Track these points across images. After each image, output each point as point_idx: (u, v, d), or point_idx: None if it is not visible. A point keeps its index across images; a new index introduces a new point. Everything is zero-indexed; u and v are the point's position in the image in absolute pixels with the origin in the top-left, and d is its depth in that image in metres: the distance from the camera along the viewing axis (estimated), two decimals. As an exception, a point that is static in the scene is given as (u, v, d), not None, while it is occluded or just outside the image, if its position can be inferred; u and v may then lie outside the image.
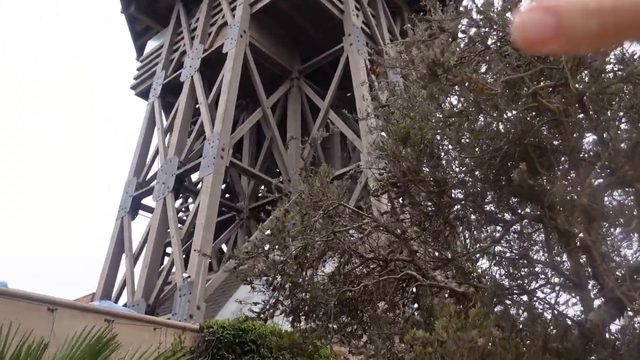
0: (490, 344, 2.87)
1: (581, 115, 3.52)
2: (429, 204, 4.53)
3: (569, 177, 3.43)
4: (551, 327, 3.58)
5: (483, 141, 3.46)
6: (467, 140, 3.66)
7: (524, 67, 3.01)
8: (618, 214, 3.39)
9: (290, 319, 6.06)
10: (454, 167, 4.20)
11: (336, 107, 22.27)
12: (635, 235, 3.50)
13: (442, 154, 4.21)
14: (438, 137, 3.99)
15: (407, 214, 5.09)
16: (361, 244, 5.83)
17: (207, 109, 19.39)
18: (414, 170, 4.14)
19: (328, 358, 7.19)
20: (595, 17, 0.45)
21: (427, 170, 4.19)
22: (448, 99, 3.81)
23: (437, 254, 5.61)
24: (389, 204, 5.08)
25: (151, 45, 25.30)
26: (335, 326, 5.42)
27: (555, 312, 4.74)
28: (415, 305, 5.44)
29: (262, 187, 23.43)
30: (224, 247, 23.33)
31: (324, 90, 22.07)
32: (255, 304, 5.60)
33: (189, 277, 15.34)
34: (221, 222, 21.41)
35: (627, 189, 3.38)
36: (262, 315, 5.78)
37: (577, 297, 4.61)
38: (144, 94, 24.25)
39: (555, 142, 3.97)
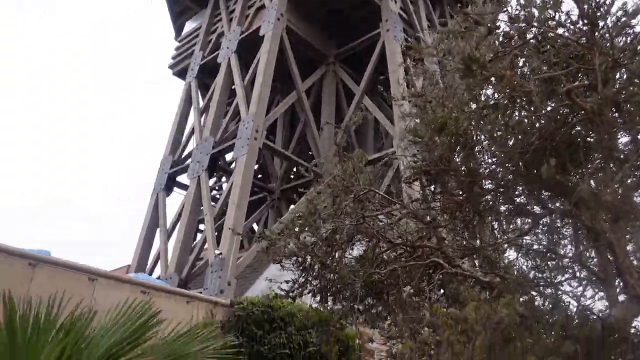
0: (515, 325, 2.99)
1: (616, 115, 3.54)
2: (460, 193, 4.63)
3: (598, 175, 3.48)
4: (575, 317, 3.67)
5: (516, 135, 3.53)
6: (500, 133, 3.74)
7: (560, 64, 3.07)
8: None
9: (318, 298, 6.25)
10: (486, 158, 4.28)
11: (371, 93, 22.26)
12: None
13: (475, 145, 4.29)
14: (472, 129, 4.07)
15: (437, 202, 5.19)
16: (390, 229, 5.96)
17: (243, 91, 19.64)
18: (447, 159, 4.24)
19: (353, 338, 7.39)
20: None
21: (460, 160, 4.28)
22: (484, 91, 3.88)
23: (464, 242, 5.71)
24: (421, 192, 5.18)
25: (189, 26, 25.65)
26: (360, 307, 5.60)
27: (580, 305, 4.81)
28: (441, 292, 5.56)
29: (295, 169, 23.72)
30: (255, 227, 23.74)
31: (359, 75, 22.04)
32: (286, 282, 5.81)
33: (221, 253, 15.73)
34: (253, 202, 21.81)
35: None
36: (290, 294, 6.00)
37: (603, 293, 4.66)
38: (181, 74, 24.65)
39: (588, 140, 4.01)
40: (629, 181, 3.45)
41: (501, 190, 4.30)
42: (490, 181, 4.40)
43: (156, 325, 3.62)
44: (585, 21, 3.04)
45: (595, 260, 4.87)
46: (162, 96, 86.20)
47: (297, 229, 5.53)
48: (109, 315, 3.64)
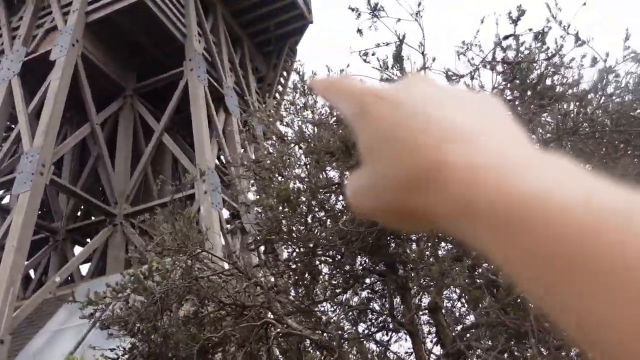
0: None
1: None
2: (298, 260, 5.00)
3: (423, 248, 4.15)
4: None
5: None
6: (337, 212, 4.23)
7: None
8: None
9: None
10: (323, 230, 4.74)
11: (170, 130, 21.87)
12: (464, 296, 4.37)
13: (314, 217, 4.72)
14: (314, 203, 4.49)
15: (276, 267, 5.48)
16: (220, 289, 6.06)
17: (27, 119, 17.68)
18: (289, 229, 4.58)
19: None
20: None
21: (300, 231, 4.66)
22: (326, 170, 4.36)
23: (293, 301, 6.09)
24: (263, 258, 5.44)
25: (-41, 37, 22.24)
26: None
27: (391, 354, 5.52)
28: (278, 353, 5.81)
29: (82, 207, 21.90)
30: (32, 272, 21.17)
31: (159, 111, 21.55)
32: (110, 350, 5.47)
33: (-7, 306, 13.70)
34: (32, 244, 19.45)
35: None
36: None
37: (411, 345, 5.43)
38: (-55, 92, 21.15)
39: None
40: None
41: (335, 258, 4.80)
42: (323, 249, 4.88)
43: None
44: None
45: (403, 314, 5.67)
46: None
47: (128, 292, 5.29)
48: None
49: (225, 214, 18.96)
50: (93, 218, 21.28)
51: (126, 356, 5.57)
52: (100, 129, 19.93)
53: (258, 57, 28.71)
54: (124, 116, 21.54)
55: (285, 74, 29.23)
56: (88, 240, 20.73)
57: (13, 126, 20.86)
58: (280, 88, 29.34)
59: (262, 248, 5.35)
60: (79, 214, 22.58)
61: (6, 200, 21.33)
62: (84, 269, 21.18)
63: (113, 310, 5.34)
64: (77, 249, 20.88)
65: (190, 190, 17.82)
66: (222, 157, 23.38)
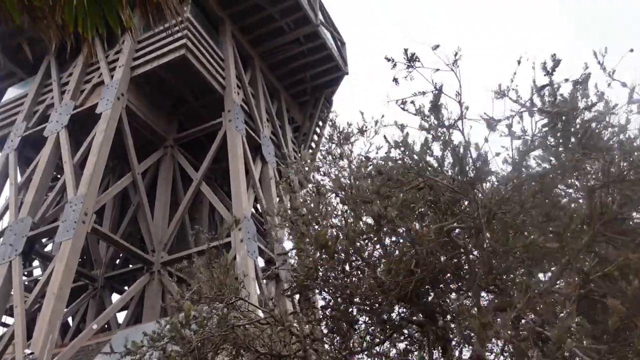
0: None
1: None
2: (336, 307, 4.93)
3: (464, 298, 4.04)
4: None
5: (395, 265, 3.99)
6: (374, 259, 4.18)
7: (443, 208, 3.64)
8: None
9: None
10: (361, 278, 4.68)
11: (208, 179, 22.29)
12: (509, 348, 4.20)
13: (351, 265, 4.68)
14: (351, 251, 4.45)
15: (313, 315, 5.41)
16: (256, 337, 5.99)
17: (72, 169, 18.34)
18: (325, 276, 4.54)
19: None
20: None
21: (339, 277, 4.62)
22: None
23: (327, 350, 5.96)
24: (297, 304, 5.39)
25: (13, 92, 23.54)
26: None
27: None
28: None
29: (120, 255, 22.27)
30: (70, 320, 21.45)
31: (198, 161, 22.06)
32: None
33: (32, 353, 13.85)
34: (71, 291, 19.78)
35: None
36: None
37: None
38: (-2, 143, 22.25)
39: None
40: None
41: (373, 307, 4.71)
42: (361, 298, 4.80)
43: None
44: (457, 169, 3.67)
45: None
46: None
47: (165, 341, 5.27)
48: None
49: (261, 262, 18.96)
50: (131, 266, 21.58)
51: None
52: (141, 178, 20.48)
53: (294, 107, 29.39)
54: (164, 166, 22.11)
55: (320, 123, 29.70)
56: (126, 287, 20.98)
57: (59, 176, 21.68)
58: (315, 137, 29.83)
59: (297, 296, 5.30)
60: (117, 261, 22.94)
61: (48, 248, 21.92)
62: (121, 316, 21.34)
63: (150, 359, 5.33)
64: (115, 297, 21.12)
65: (227, 238, 17.95)
66: (258, 205, 23.62)
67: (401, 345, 5.70)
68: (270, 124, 25.16)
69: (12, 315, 16.80)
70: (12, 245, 16.97)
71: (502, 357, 4.17)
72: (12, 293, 16.51)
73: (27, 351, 13.93)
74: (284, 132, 26.22)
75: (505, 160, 4.03)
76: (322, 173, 5.16)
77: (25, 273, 23.12)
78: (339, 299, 4.83)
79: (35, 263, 23.29)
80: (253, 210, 22.23)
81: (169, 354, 5.41)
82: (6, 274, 16.33)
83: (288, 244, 6.89)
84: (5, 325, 18.30)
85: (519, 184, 3.53)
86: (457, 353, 5.79)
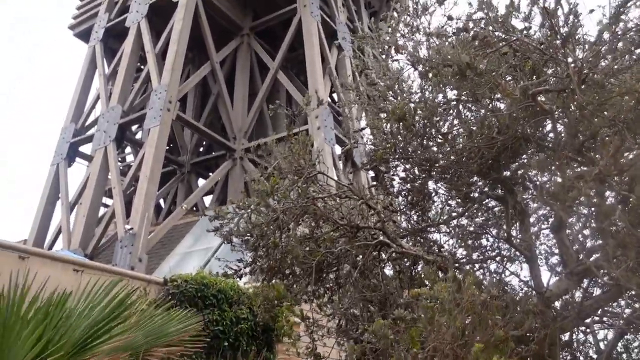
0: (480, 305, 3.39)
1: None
2: (413, 179, 4.98)
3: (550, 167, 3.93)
4: (519, 293, 4.17)
5: (478, 130, 3.91)
6: (459, 128, 4.11)
7: (528, 72, 3.46)
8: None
9: (261, 278, 6.41)
10: (441, 150, 4.65)
11: (284, 68, 22.27)
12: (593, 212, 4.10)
13: (430, 138, 4.64)
14: (429, 123, 4.40)
15: (391, 187, 5.52)
16: (335, 210, 6.23)
17: (155, 59, 18.86)
18: (404, 149, 4.56)
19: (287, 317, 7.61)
20: None
21: (416, 150, 4.62)
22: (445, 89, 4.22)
23: (404, 224, 6.13)
24: (375, 178, 5.49)
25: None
26: (310, 287, 5.83)
27: (521, 282, 5.39)
28: (390, 272, 5.92)
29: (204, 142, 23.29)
30: (162, 202, 23.16)
31: (274, 49, 21.97)
32: (238, 261, 5.90)
33: (132, 228, 15.26)
34: (161, 176, 21.18)
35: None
36: (238, 273, 6.10)
37: (528, 270, 5.27)
38: (84, 36, 23.10)
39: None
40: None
41: (452, 180, 4.72)
42: (440, 170, 4.81)
43: (134, 304, 3.63)
44: (549, 31, 3.43)
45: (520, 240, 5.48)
46: (58, 59, 79.52)
47: (252, 208, 5.61)
48: (85, 297, 3.59)
49: (338, 150, 19.23)
50: (214, 153, 22.59)
51: (248, 269, 5.98)
52: (219, 67, 20.79)
53: (371, -10, 28.04)
54: (241, 55, 22.23)
55: (398, 6, 28.27)
56: (210, 173, 22.17)
57: (142, 67, 22.43)
58: (393, 23, 28.48)
59: (373, 171, 5.38)
60: (201, 149, 24.07)
61: (138, 135, 23.26)
62: (207, 200, 22.80)
63: (237, 225, 5.72)
64: (201, 181, 22.45)
65: (304, 126, 18.21)
66: (334, 95, 23.51)
67: (479, 220, 5.75)
68: (346, 9, 24.28)
69: (110, 197, 18.38)
70: (106, 132, 18.15)
71: (580, 225, 4.11)
72: (109, 177, 17.95)
73: (127, 226, 15.35)
74: (360, 17, 25.28)
75: (600, 21, 3.71)
76: (402, 44, 4.98)
77: (120, 159, 24.89)
78: (417, 172, 4.85)
79: (127, 150, 24.88)
80: (329, 99, 22.20)
81: (254, 221, 5.77)
82: (102, 158, 17.64)
83: (363, 123, 6.90)
84: (105, 205, 20.05)
85: (615, 39, 3.26)
86: (535, 229, 5.78)
